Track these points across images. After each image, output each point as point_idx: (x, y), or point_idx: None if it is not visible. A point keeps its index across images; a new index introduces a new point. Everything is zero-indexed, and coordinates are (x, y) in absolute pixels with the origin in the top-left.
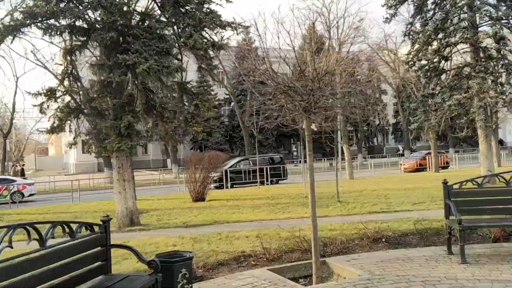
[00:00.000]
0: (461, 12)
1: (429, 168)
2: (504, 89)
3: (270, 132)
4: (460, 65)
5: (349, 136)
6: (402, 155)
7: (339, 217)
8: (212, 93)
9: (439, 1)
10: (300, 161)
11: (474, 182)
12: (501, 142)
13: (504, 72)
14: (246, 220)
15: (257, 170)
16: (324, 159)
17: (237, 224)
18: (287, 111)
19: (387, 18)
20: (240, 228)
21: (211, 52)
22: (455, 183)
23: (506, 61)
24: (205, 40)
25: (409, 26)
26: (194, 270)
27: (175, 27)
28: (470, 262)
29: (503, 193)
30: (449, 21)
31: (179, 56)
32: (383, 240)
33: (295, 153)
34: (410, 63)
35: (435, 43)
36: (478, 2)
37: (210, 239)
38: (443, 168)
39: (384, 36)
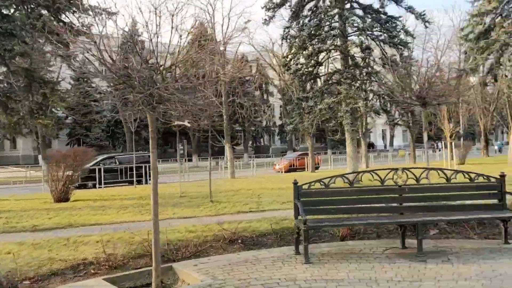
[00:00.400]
0: (333, 20)
1: (307, 168)
2: (367, 95)
3: (156, 129)
4: (331, 71)
5: (237, 135)
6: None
7: (207, 217)
8: (93, 85)
9: (314, 8)
10: (185, 160)
11: (321, 183)
12: (372, 145)
13: (368, 80)
14: (106, 222)
15: (134, 169)
16: (211, 158)
17: (95, 227)
18: (131, 104)
19: (265, 20)
20: (96, 232)
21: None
22: (305, 184)
23: (370, 69)
24: (61, 24)
25: (286, 30)
26: (15, 282)
27: (25, 6)
28: (313, 262)
29: (347, 194)
30: (322, 28)
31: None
32: (239, 241)
33: (181, 152)
34: (286, 66)
35: (310, 48)
36: (347, 13)
37: (53, 245)
38: (316, 168)
39: (270, 39)
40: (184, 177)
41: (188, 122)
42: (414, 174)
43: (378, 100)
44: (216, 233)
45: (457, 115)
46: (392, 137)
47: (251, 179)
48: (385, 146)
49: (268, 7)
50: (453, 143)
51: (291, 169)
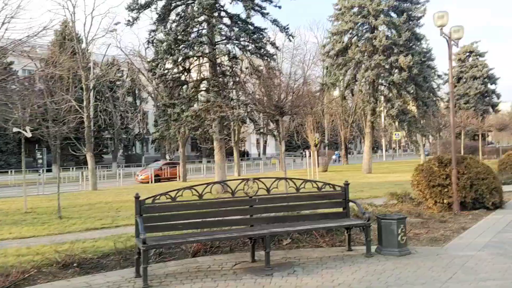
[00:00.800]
0: (201, 27)
1: (178, 178)
2: (235, 104)
3: (12, 136)
4: (199, 78)
5: (105, 143)
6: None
7: (49, 236)
8: None
9: (182, 13)
10: (43, 170)
11: (168, 196)
12: (246, 154)
13: (235, 88)
14: None
15: None
16: (74, 168)
17: None
18: None
19: (129, 21)
20: None
21: None
22: (148, 198)
23: (237, 79)
24: None
25: (152, 33)
26: None
27: None
28: (152, 286)
29: (196, 207)
30: (190, 34)
31: None
32: (75, 265)
33: (40, 161)
34: (152, 71)
35: (177, 54)
36: (215, 20)
37: None
38: (170, 179)
39: (141, 43)
40: (39, 189)
41: (30, 130)
42: (265, 184)
43: (244, 109)
44: (49, 256)
45: (322, 125)
46: (265, 145)
47: (114, 191)
48: (259, 155)
49: (132, 7)
50: (316, 152)
51: (159, 179)
